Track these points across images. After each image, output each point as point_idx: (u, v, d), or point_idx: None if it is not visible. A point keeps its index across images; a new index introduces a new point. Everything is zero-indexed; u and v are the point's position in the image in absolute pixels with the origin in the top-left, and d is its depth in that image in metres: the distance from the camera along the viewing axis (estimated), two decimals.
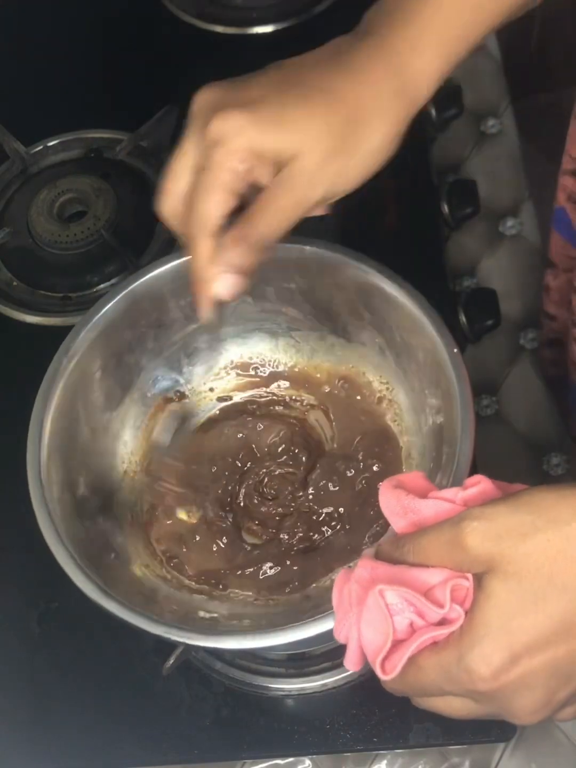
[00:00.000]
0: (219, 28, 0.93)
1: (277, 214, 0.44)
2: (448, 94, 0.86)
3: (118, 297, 0.58)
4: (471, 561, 0.35)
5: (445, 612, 0.35)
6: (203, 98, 0.46)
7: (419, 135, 0.84)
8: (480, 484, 0.39)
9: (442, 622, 0.36)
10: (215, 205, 0.44)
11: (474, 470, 0.54)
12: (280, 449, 0.62)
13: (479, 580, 0.35)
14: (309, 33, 0.90)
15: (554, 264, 0.72)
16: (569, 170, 0.67)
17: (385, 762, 0.61)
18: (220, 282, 0.46)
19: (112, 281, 0.78)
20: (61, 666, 0.63)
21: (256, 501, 0.61)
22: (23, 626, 0.64)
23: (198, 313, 0.48)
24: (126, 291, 0.58)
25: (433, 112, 0.85)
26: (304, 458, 0.61)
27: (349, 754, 0.61)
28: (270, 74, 0.46)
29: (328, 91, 0.44)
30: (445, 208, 0.80)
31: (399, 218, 0.80)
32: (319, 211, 0.46)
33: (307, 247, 0.57)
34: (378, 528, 0.57)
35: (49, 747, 0.61)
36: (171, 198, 0.46)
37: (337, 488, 0.60)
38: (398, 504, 0.39)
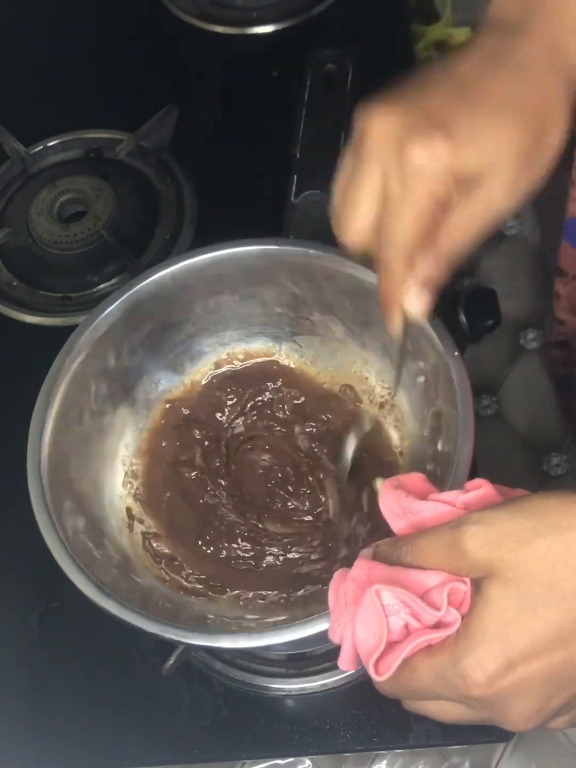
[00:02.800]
0: (219, 28, 0.93)
1: (469, 231, 0.44)
2: None
3: (122, 298, 0.58)
4: (470, 565, 0.35)
5: (442, 615, 0.35)
6: (383, 121, 0.43)
7: None
8: (481, 489, 0.38)
9: (438, 625, 0.36)
10: (415, 234, 0.43)
11: (474, 470, 0.54)
12: (279, 454, 0.62)
13: (477, 585, 0.35)
14: (309, 33, 0.90)
15: (565, 272, 0.72)
16: None
17: (385, 762, 0.61)
18: (412, 299, 0.45)
19: (112, 281, 0.78)
20: (61, 666, 0.63)
21: (254, 503, 0.61)
22: (23, 626, 0.64)
23: (388, 329, 0.48)
24: (129, 292, 0.58)
25: None
26: (302, 465, 0.62)
27: (349, 754, 0.61)
28: (442, 87, 0.44)
29: (513, 102, 0.42)
30: None
31: None
32: None
33: (311, 251, 0.57)
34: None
35: (49, 747, 0.61)
36: (359, 227, 0.45)
37: (333, 496, 0.60)
38: (398, 505, 0.39)
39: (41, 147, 0.87)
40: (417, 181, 0.42)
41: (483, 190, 0.42)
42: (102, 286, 0.78)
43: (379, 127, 0.43)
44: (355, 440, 0.59)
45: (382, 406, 0.62)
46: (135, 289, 0.58)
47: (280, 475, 0.62)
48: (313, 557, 0.59)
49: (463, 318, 0.74)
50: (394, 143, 0.42)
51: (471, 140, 0.42)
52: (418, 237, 0.43)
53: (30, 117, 0.90)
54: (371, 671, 0.37)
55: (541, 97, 0.43)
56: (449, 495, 0.39)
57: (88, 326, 0.57)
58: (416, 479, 0.41)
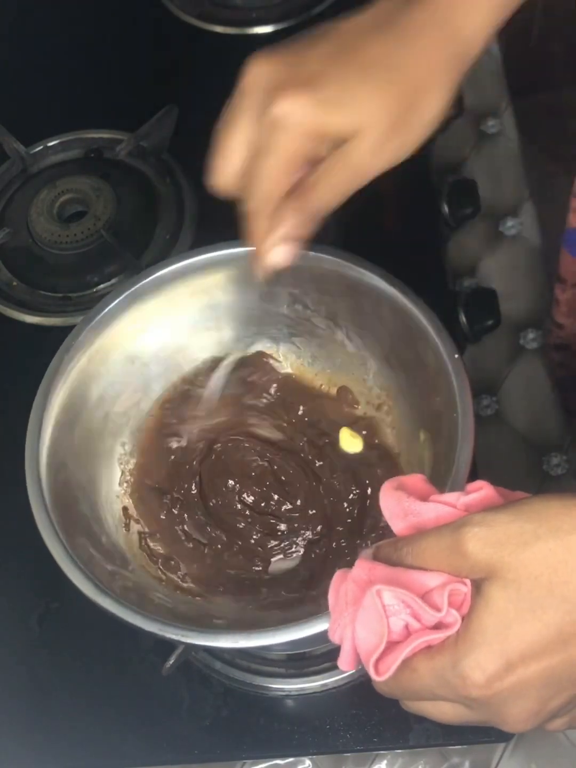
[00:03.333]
0: (219, 28, 0.93)
1: (334, 188, 0.44)
2: None
3: (121, 297, 0.58)
4: (470, 567, 0.35)
5: (442, 616, 0.35)
6: (258, 72, 0.44)
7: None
8: (482, 490, 0.38)
9: (438, 626, 0.36)
10: (277, 185, 0.44)
11: (474, 470, 0.54)
12: (276, 454, 0.62)
13: (478, 586, 0.35)
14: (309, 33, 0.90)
15: (564, 280, 0.73)
16: None
17: (385, 762, 0.61)
18: (276, 252, 0.46)
19: (112, 281, 0.78)
20: (61, 666, 0.63)
21: (254, 506, 0.61)
22: (23, 626, 0.64)
23: (255, 275, 0.49)
24: (129, 291, 0.58)
25: None
26: (299, 466, 0.62)
27: (349, 754, 0.61)
28: (324, 44, 0.44)
29: (388, 65, 0.43)
30: (445, 208, 0.80)
31: (399, 218, 0.80)
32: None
33: (310, 253, 0.57)
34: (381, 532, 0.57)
35: (49, 747, 0.61)
36: (226, 173, 0.46)
37: (332, 499, 0.60)
38: (398, 506, 0.39)
39: (41, 147, 0.87)
40: (279, 133, 0.42)
41: (348, 149, 0.43)
42: (102, 286, 0.78)
43: (254, 75, 0.44)
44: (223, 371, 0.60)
45: (379, 407, 0.62)
46: (133, 288, 0.58)
47: (276, 475, 0.62)
48: (311, 556, 0.59)
49: (463, 318, 0.74)
50: (263, 93, 0.43)
51: (338, 99, 0.42)
52: (279, 188, 0.44)
53: (30, 117, 0.90)
54: (371, 671, 0.37)
55: (418, 63, 0.43)
56: (450, 496, 0.39)
57: (86, 326, 0.57)
58: (417, 480, 0.41)
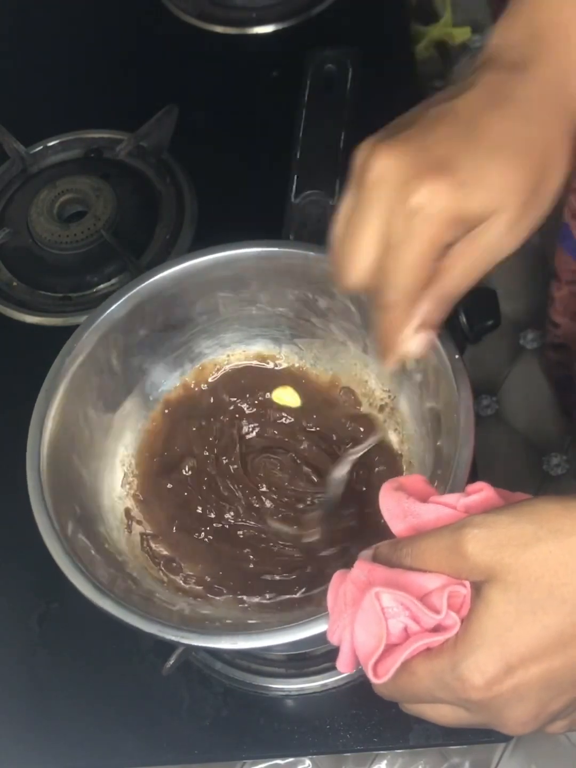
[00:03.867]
0: (219, 28, 0.93)
1: (469, 271, 0.43)
2: None
3: (123, 298, 0.58)
4: (470, 568, 0.35)
5: (441, 618, 0.35)
6: (384, 164, 0.42)
7: None
8: (482, 492, 0.38)
9: (437, 629, 0.36)
10: (419, 276, 0.42)
11: (474, 470, 0.54)
12: (279, 456, 0.62)
13: (478, 588, 0.35)
14: (309, 33, 0.90)
15: (559, 277, 0.73)
16: (574, 188, 0.67)
17: (385, 762, 0.61)
18: (414, 342, 0.45)
19: (112, 281, 0.78)
20: (61, 666, 0.63)
21: (253, 505, 0.61)
22: (23, 626, 0.64)
23: (384, 363, 0.47)
24: (131, 292, 0.58)
25: None
26: (302, 467, 0.62)
27: (349, 754, 0.61)
28: (445, 127, 0.42)
29: (516, 142, 0.42)
30: None
31: None
32: None
33: (312, 253, 0.57)
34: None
35: (49, 747, 0.61)
36: (360, 269, 0.44)
37: (334, 498, 0.60)
38: (398, 507, 0.39)
39: (41, 147, 0.87)
40: (420, 223, 0.41)
41: (487, 231, 0.41)
42: (102, 286, 0.78)
43: (380, 166, 0.42)
44: (349, 461, 0.58)
45: (382, 408, 0.62)
46: (136, 290, 0.58)
47: (279, 477, 0.62)
48: (312, 559, 0.59)
49: (463, 318, 0.73)
50: (396, 184, 0.41)
51: (475, 182, 0.41)
52: (421, 279, 0.42)
53: (30, 117, 0.90)
54: (370, 674, 0.37)
55: (543, 136, 0.42)
56: (450, 497, 0.39)
57: (89, 327, 0.57)
58: (416, 481, 0.41)
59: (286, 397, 0.62)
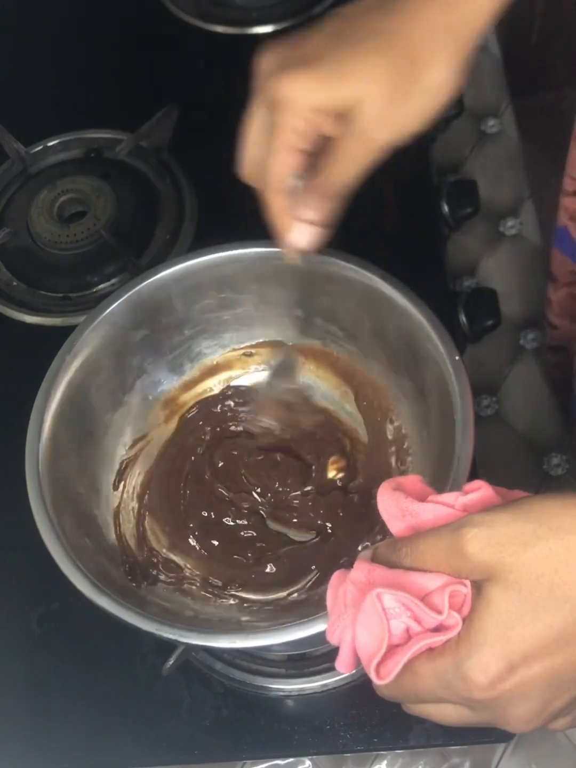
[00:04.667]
0: (219, 28, 0.93)
1: (345, 162, 0.45)
2: None
3: (123, 298, 0.58)
4: (470, 568, 0.35)
5: (443, 618, 0.35)
6: (265, 61, 0.46)
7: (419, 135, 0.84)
8: (480, 490, 0.38)
9: (439, 629, 0.36)
10: (282, 164, 0.45)
11: (474, 470, 0.54)
12: (279, 455, 0.62)
13: (478, 587, 0.35)
14: None
15: (556, 278, 0.73)
16: (571, 191, 0.67)
17: (385, 762, 0.61)
18: (296, 232, 0.47)
19: (112, 281, 0.78)
20: (61, 666, 0.63)
21: (254, 504, 0.61)
22: (23, 626, 0.64)
23: (284, 255, 0.50)
24: (131, 292, 0.58)
25: None
26: (302, 467, 0.62)
27: (349, 754, 0.61)
28: (325, 26, 0.46)
29: (381, 34, 0.44)
30: (445, 208, 0.80)
31: (399, 218, 0.80)
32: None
33: (312, 255, 0.57)
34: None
35: (48, 747, 0.61)
36: (249, 161, 0.48)
37: (334, 498, 0.60)
38: (397, 507, 0.39)
39: (41, 147, 0.87)
40: (281, 113, 0.44)
41: (354, 120, 0.44)
42: (102, 286, 0.78)
43: (260, 64, 0.46)
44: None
45: (383, 408, 0.62)
46: (136, 289, 0.58)
47: (279, 476, 0.62)
48: (313, 558, 0.59)
49: (463, 318, 0.74)
50: (266, 80, 0.45)
51: (334, 72, 0.43)
52: (288, 166, 0.45)
53: (30, 117, 0.90)
54: (373, 675, 0.36)
55: (418, 33, 0.44)
56: (448, 497, 0.39)
57: (89, 326, 0.57)
58: (414, 481, 0.41)
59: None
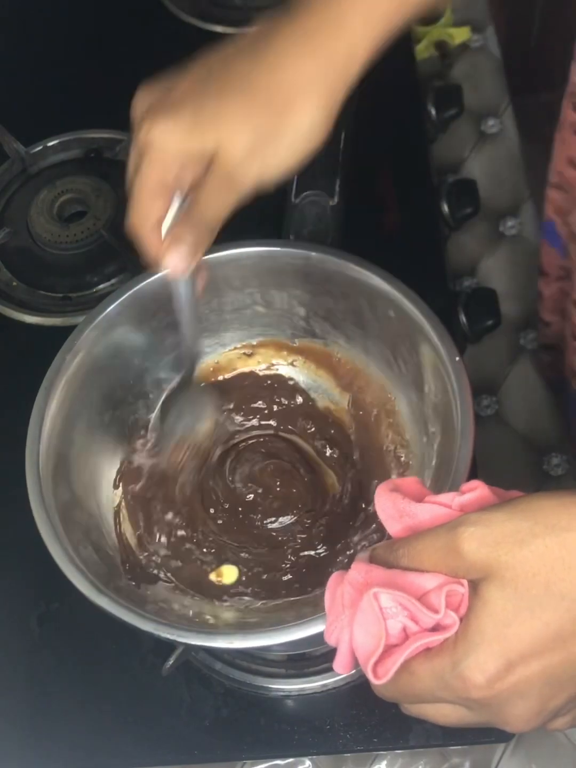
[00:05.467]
0: (219, 28, 0.93)
1: (212, 200, 0.47)
2: (448, 94, 0.86)
3: (123, 297, 0.58)
4: (467, 567, 0.35)
5: (440, 617, 0.35)
6: (138, 103, 0.48)
7: (419, 135, 0.84)
8: (477, 490, 0.38)
9: (436, 628, 0.36)
10: (149, 206, 0.47)
11: (474, 470, 0.54)
12: (279, 456, 0.62)
13: (475, 586, 0.35)
14: None
15: (547, 273, 0.73)
16: (555, 183, 0.68)
17: (385, 762, 0.61)
18: (171, 257, 0.48)
19: (112, 281, 0.78)
20: (61, 666, 0.63)
21: (253, 505, 0.61)
22: (23, 626, 0.64)
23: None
24: (131, 291, 0.58)
25: (433, 112, 0.85)
26: (301, 468, 0.62)
27: (349, 754, 0.61)
28: (196, 71, 0.48)
29: (245, 84, 0.46)
30: (445, 208, 0.80)
31: (399, 218, 0.80)
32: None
33: (313, 254, 0.57)
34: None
35: (49, 747, 0.61)
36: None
37: (333, 498, 0.60)
38: (394, 507, 0.39)
39: (41, 147, 0.87)
40: (144, 158, 0.46)
41: (216, 165, 0.46)
42: (102, 286, 0.78)
43: (135, 102, 0.48)
44: None
45: (383, 408, 0.61)
46: (136, 288, 0.58)
47: (278, 476, 0.62)
48: (312, 559, 0.59)
49: (463, 318, 0.74)
50: (135, 123, 0.47)
51: (194, 120, 0.45)
52: (153, 210, 0.47)
53: (30, 117, 0.90)
54: (370, 675, 0.36)
55: (283, 79, 0.45)
56: (445, 497, 0.39)
57: (89, 325, 0.57)
58: (412, 482, 0.41)
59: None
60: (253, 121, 0.45)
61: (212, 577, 0.59)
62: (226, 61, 0.47)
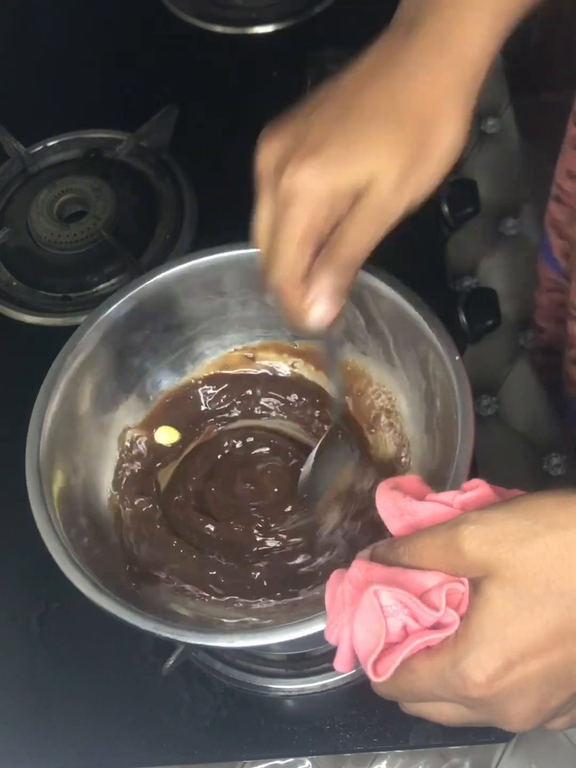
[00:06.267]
0: (219, 28, 0.93)
1: (361, 234, 0.44)
2: None
3: (124, 298, 0.58)
4: (467, 565, 0.35)
5: (440, 616, 0.35)
6: (268, 150, 0.45)
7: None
8: (478, 489, 0.38)
9: (437, 626, 0.36)
10: (297, 255, 0.44)
11: (474, 470, 0.54)
12: (278, 457, 0.62)
13: (475, 584, 0.35)
14: (309, 33, 0.90)
15: (539, 285, 0.73)
16: (554, 196, 0.68)
17: (385, 762, 0.61)
18: (316, 309, 0.46)
19: (112, 281, 0.78)
20: (61, 666, 0.63)
21: (251, 505, 0.61)
22: (23, 626, 0.64)
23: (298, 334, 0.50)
24: (131, 293, 0.58)
25: None
26: (300, 468, 0.62)
27: (349, 754, 0.61)
28: (328, 104, 0.45)
29: (391, 110, 0.43)
30: (445, 208, 0.80)
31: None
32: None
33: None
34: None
35: (49, 747, 0.61)
36: (259, 257, 0.47)
37: (331, 498, 0.60)
38: (395, 505, 0.39)
39: (41, 147, 0.87)
40: (291, 206, 0.43)
41: (368, 197, 0.43)
42: (102, 286, 0.78)
43: (263, 154, 0.45)
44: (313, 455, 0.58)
45: (383, 409, 0.61)
46: (137, 289, 0.58)
47: (277, 477, 0.62)
48: (312, 560, 0.59)
49: (463, 318, 0.74)
50: (273, 171, 0.44)
51: (344, 156, 0.42)
52: (301, 258, 0.44)
53: (30, 117, 0.90)
54: (370, 673, 0.36)
55: (423, 99, 0.44)
56: (446, 495, 0.39)
57: (90, 326, 0.57)
58: (412, 480, 0.41)
59: (164, 435, 0.61)
60: (402, 146, 0.43)
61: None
62: (359, 89, 0.44)
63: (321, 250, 0.45)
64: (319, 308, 0.46)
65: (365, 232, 0.44)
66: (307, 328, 0.47)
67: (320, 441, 0.57)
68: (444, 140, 0.44)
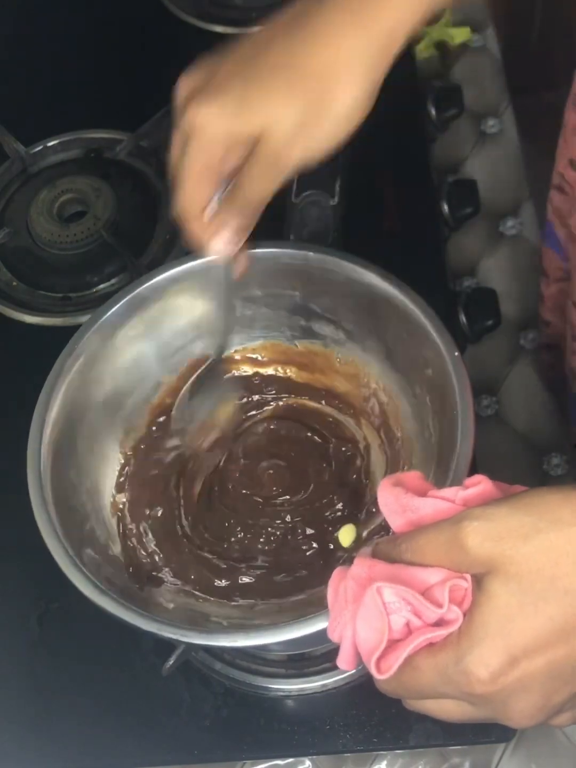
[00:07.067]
0: (219, 28, 0.93)
1: (257, 181, 0.47)
2: (448, 94, 0.86)
3: (124, 299, 0.58)
4: (470, 561, 0.35)
5: (443, 612, 0.35)
6: (182, 86, 0.48)
7: (419, 135, 0.84)
8: (480, 485, 0.38)
9: (440, 623, 0.36)
10: (196, 188, 0.48)
11: (474, 470, 0.54)
12: (278, 456, 0.62)
13: (479, 581, 0.35)
14: None
15: (546, 274, 0.73)
16: (556, 185, 0.68)
17: (385, 762, 0.61)
18: (216, 242, 0.49)
19: (112, 281, 0.78)
20: (61, 666, 0.63)
21: (251, 505, 0.61)
22: (23, 626, 0.64)
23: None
24: (132, 294, 0.58)
25: (433, 112, 0.85)
26: (300, 468, 0.62)
27: (349, 754, 0.61)
28: (238, 52, 0.47)
29: (289, 62, 0.46)
30: (445, 208, 0.80)
31: (399, 218, 0.80)
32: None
33: (311, 254, 0.57)
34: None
35: (49, 747, 0.61)
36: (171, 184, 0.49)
37: (332, 498, 0.60)
38: (397, 502, 0.39)
39: (41, 147, 0.87)
40: (190, 142, 0.46)
41: (261, 146, 0.46)
42: (102, 286, 0.78)
43: (180, 87, 0.48)
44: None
45: (383, 408, 0.61)
46: (137, 290, 0.58)
47: (277, 477, 0.62)
48: (313, 559, 0.59)
49: (463, 318, 0.74)
50: (181, 107, 0.47)
51: (239, 104, 0.45)
52: (201, 196, 0.48)
53: (30, 117, 0.90)
54: (373, 670, 0.36)
55: (324, 54, 0.45)
56: (448, 492, 0.39)
57: (90, 327, 0.57)
58: (414, 477, 0.41)
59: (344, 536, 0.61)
60: (298, 100, 0.45)
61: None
62: (269, 41, 0.47)
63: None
64: (218, 242, 0.49)
65: (260, 179, 0.47)
66: (206, 256, 0.51)
67: (198, 372, 0.58)
68: (341, 101, 0.46)
